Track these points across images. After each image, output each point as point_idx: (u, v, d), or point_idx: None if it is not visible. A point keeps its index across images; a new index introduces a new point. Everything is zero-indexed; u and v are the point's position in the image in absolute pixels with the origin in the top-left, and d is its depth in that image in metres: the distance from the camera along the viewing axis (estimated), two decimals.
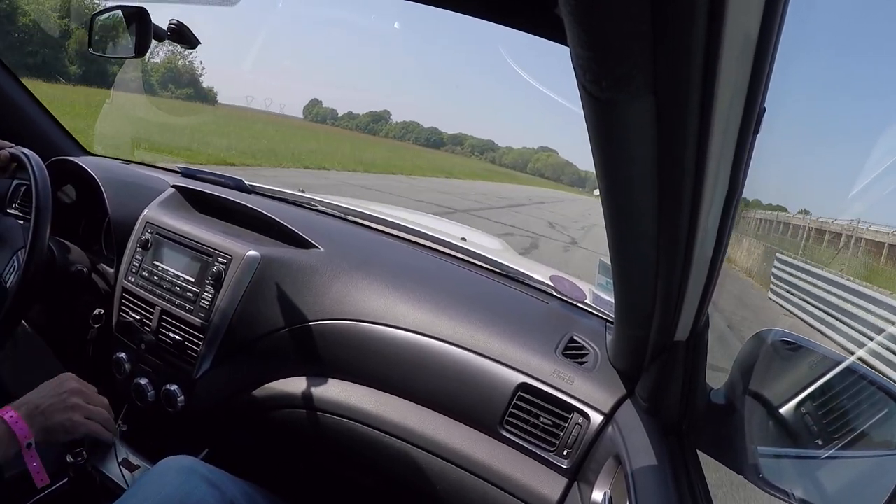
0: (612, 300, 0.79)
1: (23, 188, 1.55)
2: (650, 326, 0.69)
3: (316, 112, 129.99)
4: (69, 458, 1.10)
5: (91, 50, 1.23)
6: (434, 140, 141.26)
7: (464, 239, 1.46)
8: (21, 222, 1.45)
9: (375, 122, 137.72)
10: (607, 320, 1.16)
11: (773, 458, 0.74)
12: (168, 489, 0.85)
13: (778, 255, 10.58)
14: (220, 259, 1.20)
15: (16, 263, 1.29)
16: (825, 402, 0.71)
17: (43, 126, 1.66)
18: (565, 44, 0.34)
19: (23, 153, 1.15)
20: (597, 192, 0.48)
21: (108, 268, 1.38)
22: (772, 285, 9.94)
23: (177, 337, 1.22)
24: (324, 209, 1.51)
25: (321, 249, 1.23)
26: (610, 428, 0.91)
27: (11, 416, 0.87)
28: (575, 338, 1.08)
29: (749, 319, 7.48)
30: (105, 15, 1.19)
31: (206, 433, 1.28)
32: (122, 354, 1.29)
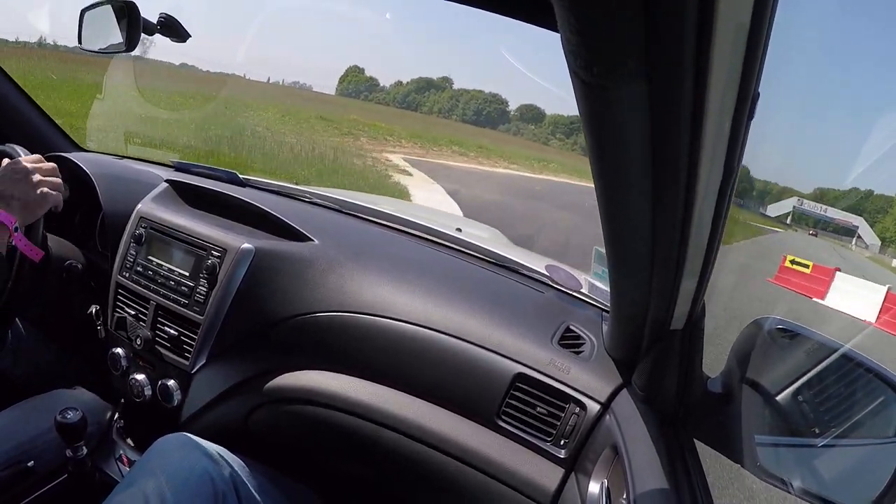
0: (608, 289, 0.79)
1: None
2: (646, 315, 0.69)
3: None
4: (68, 454, 1.10)
5: (81, 45, 1.22)
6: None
7: (459, 230, 1.46)
8: None
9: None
10: (603, 309, 1.16)
11: (770, 447, 0.74)
12: (172, 465, 0.86)
13: None
14: (215, 252, 1.19)
15: None
16: (822, 390, 0.71)
17: (36, 123, 1.65)
18: (556, 30, 0.34)
19: (13, 150, 1.14)
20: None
21: (102, 263, 1.38)
22: None
23: (172, 332, 1.21)
24: (318, 201, 1.50)
25: (316, 242, 1.22)
26: (607, 417, 0.91)
27: None
28: (571, 327, 1.08)
29: None
30: (95, 9, 1.18)
31: (203, 428, 1.28)
32: (119, 350, 1.28)
